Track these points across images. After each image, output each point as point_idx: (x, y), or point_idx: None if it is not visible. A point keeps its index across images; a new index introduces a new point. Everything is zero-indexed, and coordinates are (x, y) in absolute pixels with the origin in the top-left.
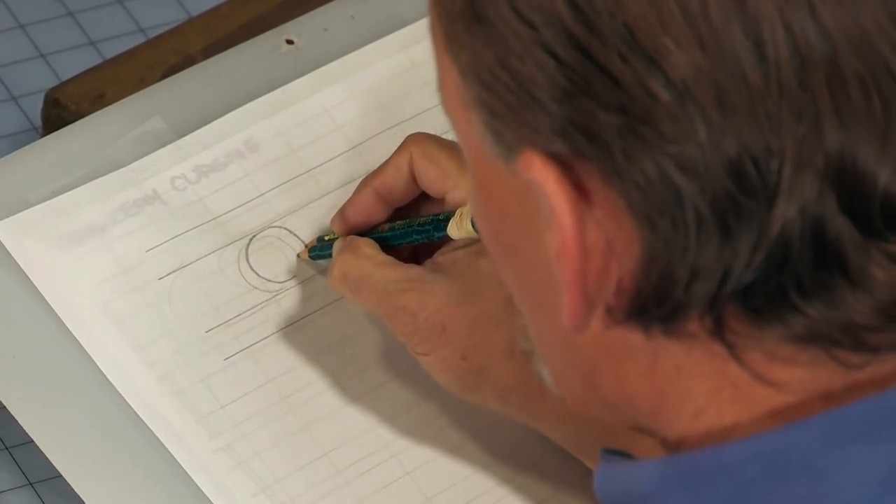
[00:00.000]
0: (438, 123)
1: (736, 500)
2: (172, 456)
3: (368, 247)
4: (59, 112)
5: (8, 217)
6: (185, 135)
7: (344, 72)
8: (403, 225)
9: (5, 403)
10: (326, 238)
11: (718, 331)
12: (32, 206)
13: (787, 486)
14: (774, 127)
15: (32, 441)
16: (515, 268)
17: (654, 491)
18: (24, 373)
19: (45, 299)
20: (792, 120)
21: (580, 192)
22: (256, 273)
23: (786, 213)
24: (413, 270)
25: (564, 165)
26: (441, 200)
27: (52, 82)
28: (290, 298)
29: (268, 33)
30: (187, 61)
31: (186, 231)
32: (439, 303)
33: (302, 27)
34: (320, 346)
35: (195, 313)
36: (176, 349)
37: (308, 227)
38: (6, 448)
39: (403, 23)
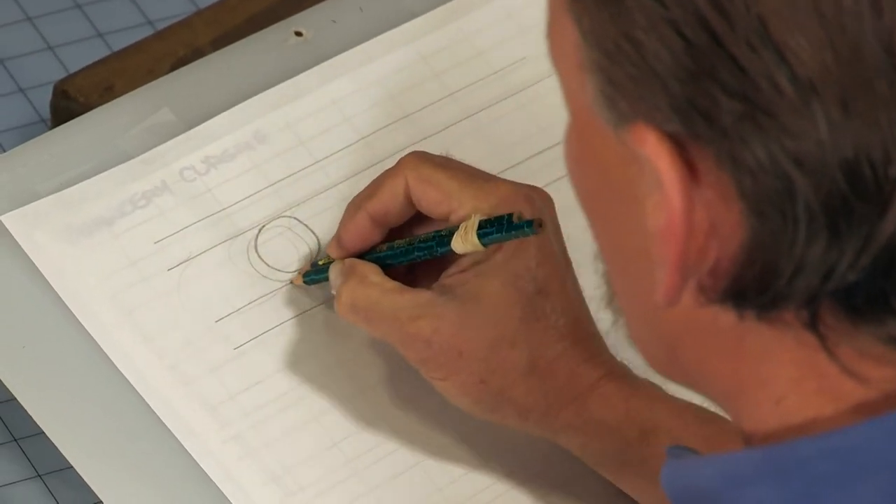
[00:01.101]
0: (445, 116)
1: (808, 497)
2: (182, 446)
3: (374, 274)
4: (67, 104)
5: (17, 209)
6: (193, 127)
7: (352, 64)
8: (403, 244)
9: (14, 393)
10: (321, 263)
11: (813, 323)
12: (41, 197)
13: (862, 484)
14: None
15: (41, 433)
16: (607, 230)
17: (725, 486)
18: (34, 363)
19: (54, 290)
20: None
21: (690, 171)
22: (266, 263)
23: None
24: (423, 295)
25: (678, 144)
26: (442, 220)
27: (60, 74)
28: (299, 288)
29: (276, 25)
30: (196, 53)
31: (195, 222)
32: (453, 327)
33: (310, 19)
34: (330, 335)
35: (204, 303)
36: (185, 339)
37: (317, 217)
38: (14, 440)
39: (412, 15)
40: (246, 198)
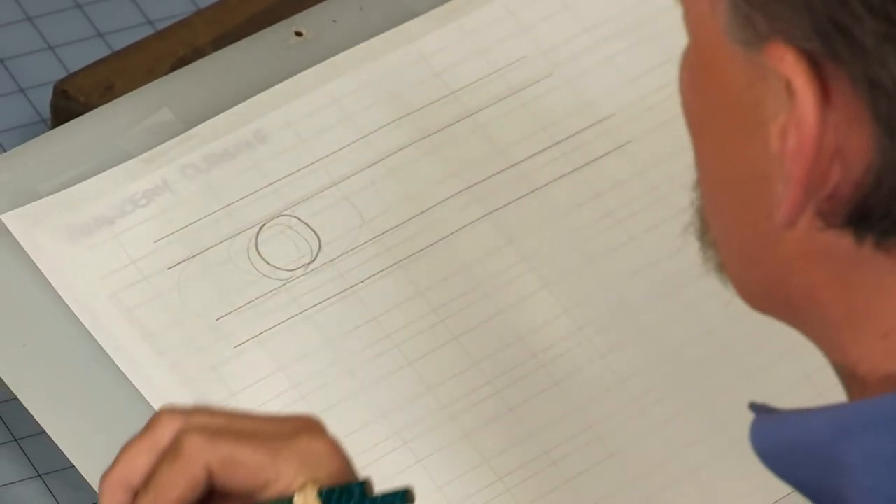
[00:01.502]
0: (446, 115)
1: None
2: None
3: None
4: (67, 104)
5: (17, 208)
6: (193, 126)
7: (353, 63)
8: None
9: (15, 392)
10: None
11: None
12: (42, 197)
13: None
14: None
15: (41, 433)
16: (719, 154)
17: (836, 437)
18: (34, 362)
19: (54, 289)
20: None
21: (824, 93)
22: (266, 261)
23: None
24: None
25: (815, 64)
26: (251, 494)
27: (60, 74)
28: (299, 287)
29: (276, 25)
30: (196, 53)
31: (196, 221)
32: None
33: (311, 19)
34: (330, 334)
35: (205, 302)
36: (186, 338)
37: (317, 216)
38: (14, 440)
39: (412, 14)
40: (246, 196)
